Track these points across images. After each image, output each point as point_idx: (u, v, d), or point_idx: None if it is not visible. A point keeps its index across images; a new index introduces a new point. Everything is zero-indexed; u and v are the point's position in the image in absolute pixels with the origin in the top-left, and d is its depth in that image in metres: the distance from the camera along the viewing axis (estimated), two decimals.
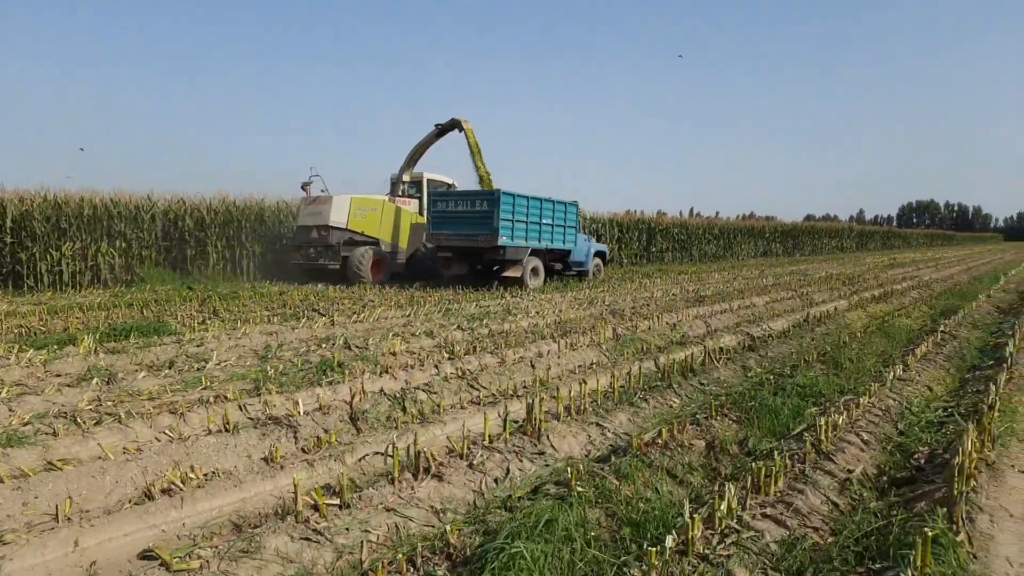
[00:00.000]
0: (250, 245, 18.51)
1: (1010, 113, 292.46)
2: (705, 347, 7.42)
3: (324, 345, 7.77)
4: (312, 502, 3.16)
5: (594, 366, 7.07)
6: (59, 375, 6.10)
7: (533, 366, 6.88)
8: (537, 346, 7.90)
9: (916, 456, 4.32)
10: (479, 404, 5.47)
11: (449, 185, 18.67)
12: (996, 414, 4.81)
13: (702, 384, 6.36)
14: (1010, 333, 8.85)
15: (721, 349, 7.75)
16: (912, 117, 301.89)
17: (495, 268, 15.82)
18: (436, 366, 6.64)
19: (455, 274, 16.28)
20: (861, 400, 5.18)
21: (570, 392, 5.40)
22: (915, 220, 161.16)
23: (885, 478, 4.00)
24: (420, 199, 18.11)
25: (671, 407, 5.64)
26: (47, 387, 5.48)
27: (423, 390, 5.70)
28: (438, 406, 5.32)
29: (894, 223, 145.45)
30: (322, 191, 17.02)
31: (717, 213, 49.02)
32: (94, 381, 5.74)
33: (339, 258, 15.91)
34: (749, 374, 6.96)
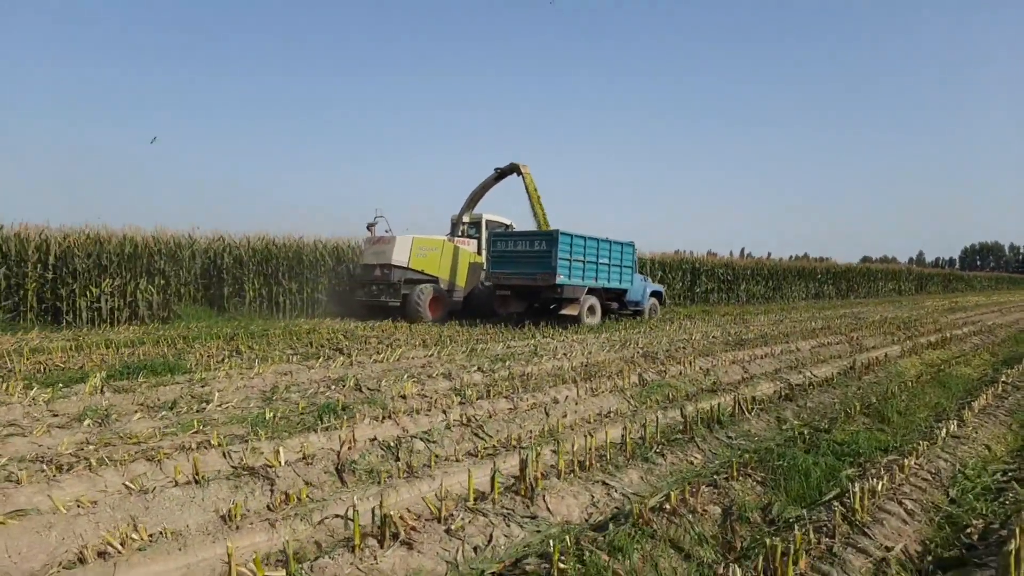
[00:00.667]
0: (286, 282, 18.60)
1: None
2: (737, 396, 6.85)
3: (335, 386, 7.50)
4: (251, 574, 2.80)
5: (612, 415, 6.58)
6: (56, 415, 5.94)
7: (547, 413, 6.44)
8: (557, 391, 7.46)
9: (968, 531, 3.72)
10: (477, 455, 5.05)
11: (507, 226, 19.25)
12: None
13: (729, 438, 5.81)
14: None
15: (754, 398, 7.16)
16: (975, 156, 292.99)
17: (551, 307, 16.36)
18: (445, 411, 6.27)
19: (512, 312, 16.61)
20: (906, 461, 4.58)
21: (574, 445, 4.93)
22: (978, 262, 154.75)
23: (930, 558, 3.43)
24: (479, 239, 18.72)
25: (692, 464, 5.12)
26: (38, 428, 5.30)
27: (422, 438, 5.32)
28: (434, 457, 4.93)
29: (956, 265, 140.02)
30: (386, 231, 17.74)
31: (769, 254, 47.78)
32: (86, 423, 5.54)
33: (399, 295, 16.48)
34: (784, 427, 6.37)
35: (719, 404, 6.61)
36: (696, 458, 5.22)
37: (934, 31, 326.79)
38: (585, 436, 5.67)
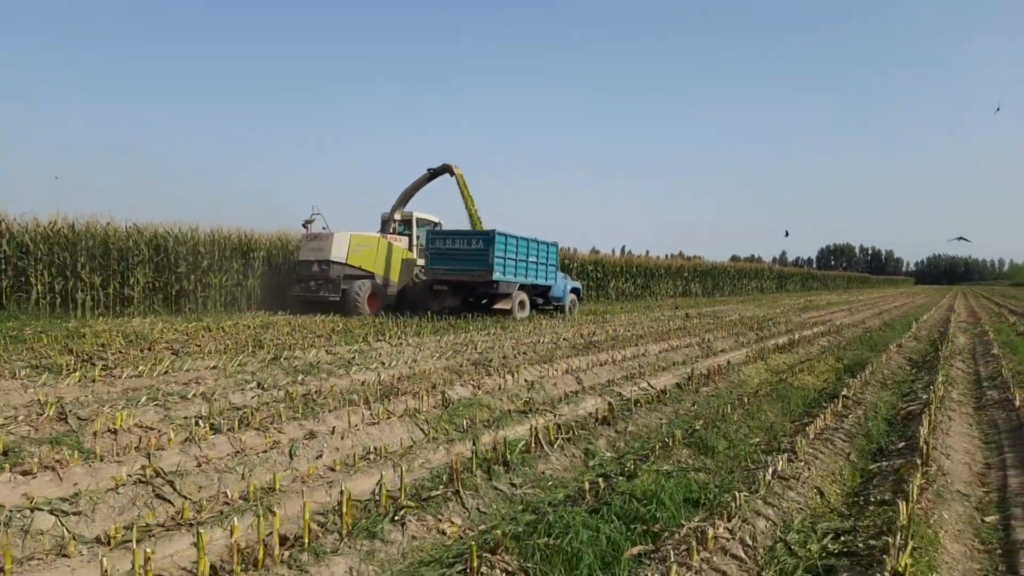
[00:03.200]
0: (87, 276, 15.92)
1: (921, 161, 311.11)
2: (532, 426, 5.52)
3: (31, 414, 5.60)
4: None
5: (380, 454, 5.09)
6: None
7: (292, 455, 4.89)
8: (337, 415, 5.93)
9: None
10: (109, 542, 3.39)
11: (436, 223, 19.99)
12: (907, 556, 3.11)
13: (513, 486, 4.49)
14: (923, 398, 7.41)
15: (560, 427, 5.91)
16: (834, 161, 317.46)
17: (484, 301, 17.52)
18: (150, 454, 4.59)
19: (448, 307, 17.51)
20: (712, 530, 3.40)
21: (288, 511, 3.40)
22: (833, 262, 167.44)
23: None
24: (410, 236, 19.39)
25: (441, 535, 3.73)
26: None
27: (54, 511, 3.61)
28: (45, 546, 3.26)
29: (814, 264, 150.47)
30: (323, 228, 18.20)
31: (647, 252, 48.35)
32: None
33: (339, 290, 16.93)
34: (591, 462, 5.15)
35: (528, 430, 5.32)
36: (453, 524, 3.85)
37: (795, 39, 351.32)
38: (325, 489, 4.20)
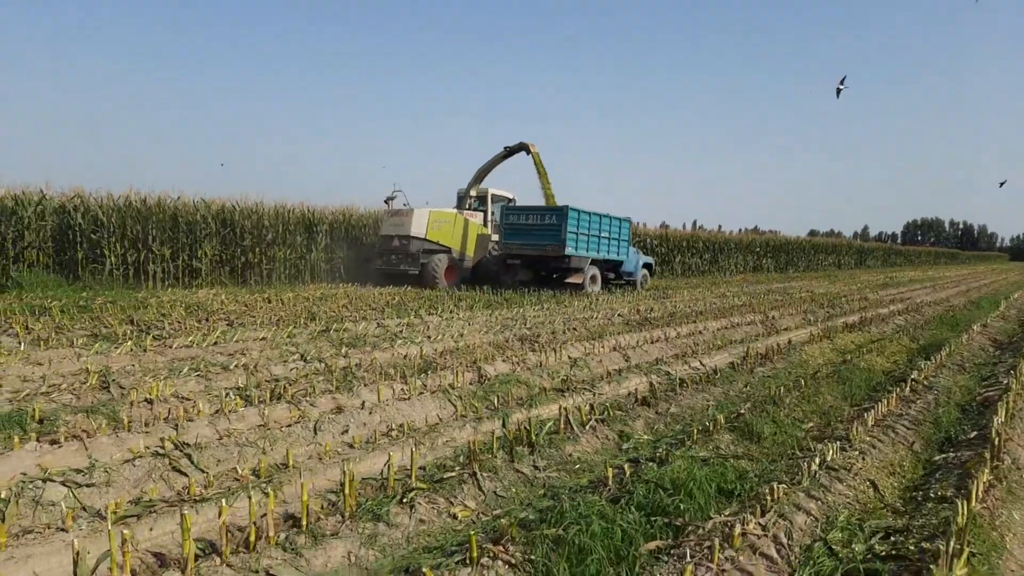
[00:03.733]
0: (157, 248, 16.51)
1: (1018, 132, 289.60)
2: (562, 406, 5.26)
3: (77, 383, 5.74)
4: None
5: (405, 432, 4.94)
6: None
7: (316, 430, 4.81)
8: (372, 390, 5.85)
9: None
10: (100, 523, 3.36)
11: (510, 200, 20.29)
12: (962, 565, 2.74)
13: (536, 469, 4.27)
14: (1004, 383, 6.76)
15: (593, 408, 5.63)
16: (920, 133, 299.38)
17: (556, 276, 17.76)
18: (178, 425, 4.60)
19: (521, 280, 17.89)
20: (742, 525, 3.10)
21: (305, 486, 3.29)
22: (919, 238, 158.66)
23: None
24: (485, 212, 19.75)
25: (452, 520, 3.55)
26: None
27: (67, 482, 3.62)
28: (44, 516, 3.25)
29: (898, 240, 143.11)
30: (404, 204, 18.77)
31: (720, 227, 46.87)
32: None
33: (418, 264, 17.51)
34: (625, 446, 4.87)
35: (548, 415, 5.09)
36: (466, 508, 3.66)
37: (882, 12, 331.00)
38: (342, 467, 4.08)
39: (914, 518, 3.56)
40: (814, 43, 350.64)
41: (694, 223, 57.10)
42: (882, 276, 35.38)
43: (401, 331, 9.50)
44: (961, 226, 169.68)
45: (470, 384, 6.35)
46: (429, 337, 9.02)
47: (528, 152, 19.77)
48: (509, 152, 19.97)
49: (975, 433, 5.13)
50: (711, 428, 4.89)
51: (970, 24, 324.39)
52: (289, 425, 4.80)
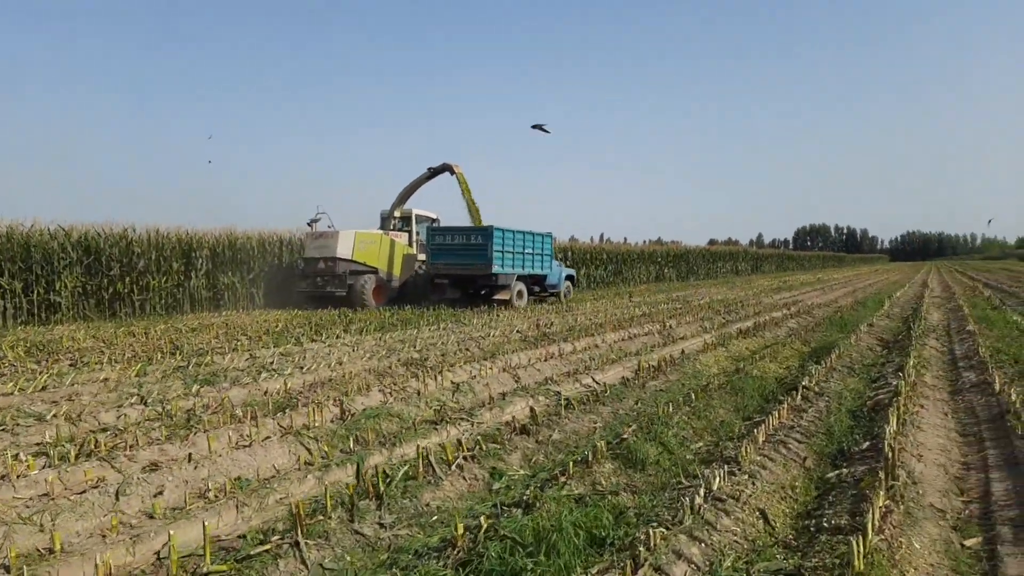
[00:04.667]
0: (5, 283, 14.74)
1: (893, 138, 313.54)
2: (420, 449, 4.63)
3: None
4: None
5: (213, 494, 4.13)
6: None
7: (119, 496, 3.94)
8: (209, 437, 5.00)
9: None
10: None
11: (434, 220, 20.46)
12: None
13: (379, 528, 3.57)
14: (893, 385, 6.61)
15: (460, 443, 5.01)
16: (806, 141, 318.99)
17: (484, 292, 18.08)
18: None
19: (449, 299, 18.14)
20: None
21: None
22: (809, 243, 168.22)
23: None
24: (409, 232, 19.84)
25: None
26: None
27: None
28: None
29: (790, 245, 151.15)
30: (329, 226, 18.81)
31: (625, 239, 47.64)
32: None
33: (345, 285, 17.43)
34: (495, 486, 4.26)
35: (415, 452, 4.41)
36: None
37: (767, 17, 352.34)
38: (128, 546, 3.26)
39: (807, 555, 3.11)
40: (712, 52, 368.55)
41: (601, 236, 58.01)
42: (776, 281, 36.72)
43: (272, 362, 8.61)
44: (845, 231, 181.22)
45: (331, 422, 5.59)
46: (301, 368, 8.18)
47: (452, 172, 19.94)
48: (433, 173, 20.13)
49: (867, 444, 4.83)
50: (591, 458, 4.35)
51: (856, 30, 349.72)
52: (83, 492, 3.91)
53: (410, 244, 19.76)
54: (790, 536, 3.48)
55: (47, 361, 8.89)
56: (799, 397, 6.16)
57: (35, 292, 15.29)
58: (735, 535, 3.34)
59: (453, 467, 4.36)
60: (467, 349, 9.73)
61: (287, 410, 5.93)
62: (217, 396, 6.59)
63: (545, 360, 8.75)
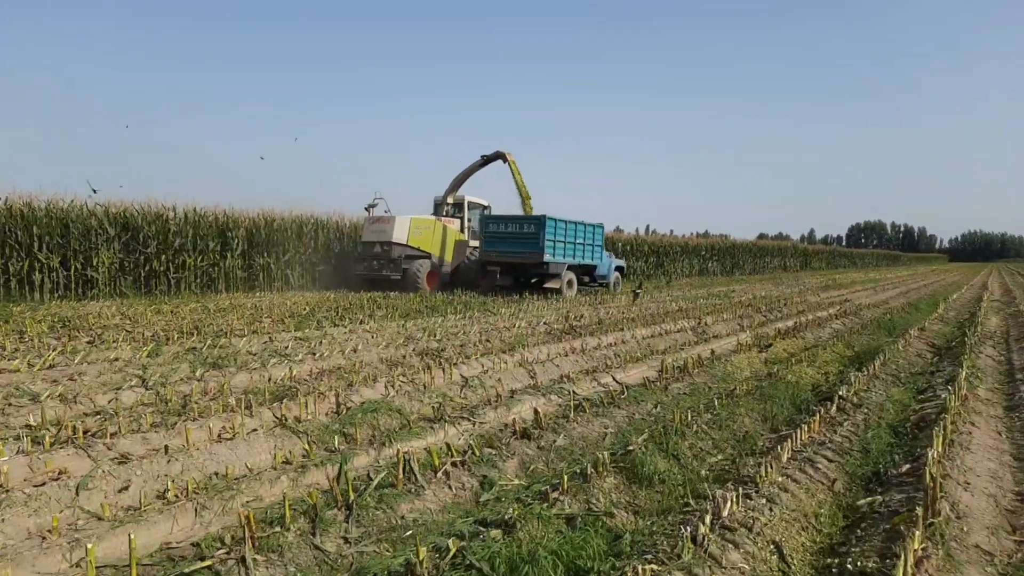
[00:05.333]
0: (43, 257, 14.95)
1: (954, 137, 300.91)
2: (400, 453, 4.28)
3: None
4: None
5: (178, 494, 3.85)
6: None
7: (79, 491, 3.70)
8: (199, 426, 4.77)
9: None
10: None
11: (486, 207, 20.76)
12: None
13: (343, 543, 3.24)
14: (941, 398, 6.01)
15: (449, 447, 4.65)
16: (865, 137, 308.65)
17: (535, 281, 18.39)
18: None
19: (500, 285, 18.30)
20: None
21: None
22: (863, 240, 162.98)
23: None
24: (462, 219, 20.18)
25: None
26: None
27: None
28: None
29: (843, 242, 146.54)
30: (385, 211, 19.18)
31: (671, 231, 46.56)
32: None
33: (400, 270, 17.82)
34: (483, 497, 3.89)
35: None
36: None
37: (830, 18, 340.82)
38: (64, 553, 3.00)
39: None
40: (772, 39, 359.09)
41: (647, 227, 56.95)
42: (825, 278, 35.42)
43: (287, 347, 8.40)
44: (902, 228, 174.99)
45: (325, 415, 5.30)
46: (314, 354, 7.94)
47: (505, 160, 20.12)
48: (486, 160, 20.36)
49: (908, 466, 4.29)
50: (591, 471, 3.94)
51: (914, 23, 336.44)
52: (43, 484, 3.68)
53: (462, 230, 20.04)
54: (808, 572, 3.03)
55: (66, 338, 8.85)
56: (834, 408, 5.62)
57: (72, 268, 15.50)
58: (742, 574, 2.90)
59: (439, 474, 4.00)
60: (488, 340, 9.36)
61: (285, 400, 5.67)
62: (220, 381, 6.39)
63: (566, 355, 8.33)
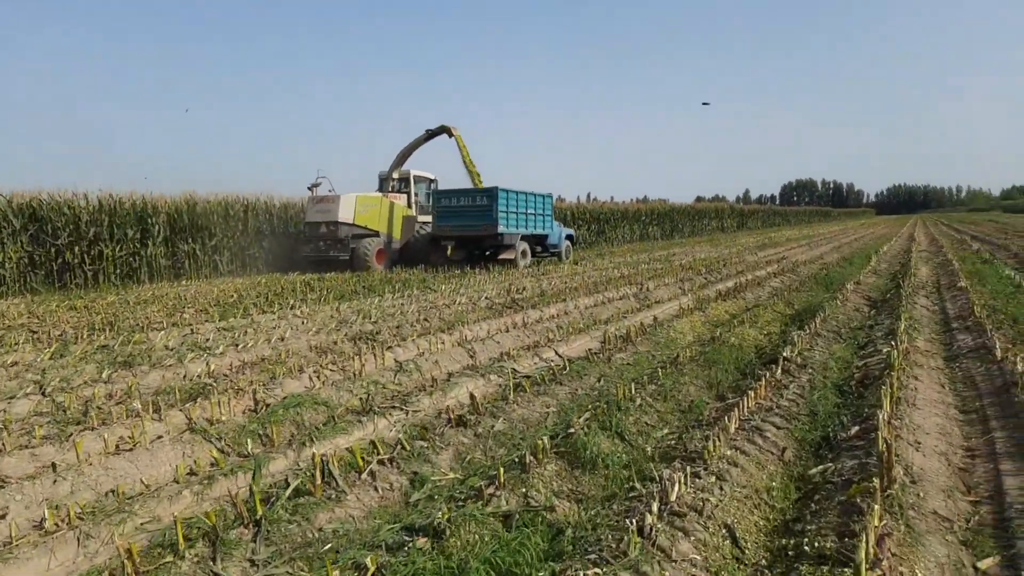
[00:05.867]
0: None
1: (880, 92, 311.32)
2: (315, 453, 3.91)
3: None
4: None
5: (61, 521, 3.39)
6: None
7: None
8: (99, 435, 4.26)
9: None
10: None
11: (432, 180, 20.44)
12: None
13: (250, 566, 2.87)
14: (884, 352, 5.93)
15: (374, 445, 4.30)
16: (794, 97, 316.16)
17: (489, 252, 18.64)
18: None
19: (453, 259, 18.46)
20: None
21: None
22: (795, 198, 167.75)
23: None
24: (408, 194, 19.80)
25: None
26: None
27: None
28: None
29: (777, 201, 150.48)
30: (329, 191, 18.69)
31: (612, 198, 46.58)
32: None
33: (348, 249, 17.49)
34: (413, 498, 3.55)
35: (333, 449, 3.68)
36: None
37: None
38: None
39: None
40: (699, 6, 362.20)
41: (588, 195, 56.94)
42: (761, 237, 36.08)
43: (208, 339, 7.84)
44: (832, 185, 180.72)
45: (243, 414, 4.86)
46: (237, 345, 7.41)
47: (450, 135, 20.04)
48: (431, 134, 20.26)
49: (857, 428, 4.14)
50: (530, 459, 3.63)
51: None
52: None
53: (409, 206, 19.73)
54: (763, 560, 2.80)
55: None
56: (779, 370, 5.47)
57: None
58: (694, 566, 2.64)
59: (364, 475, 3.63)
60: (426, 320, 8.98)
61: (199, 399, 5.19)
62: (129, 382, 5.84)
63: (507, 331, 8.03)
